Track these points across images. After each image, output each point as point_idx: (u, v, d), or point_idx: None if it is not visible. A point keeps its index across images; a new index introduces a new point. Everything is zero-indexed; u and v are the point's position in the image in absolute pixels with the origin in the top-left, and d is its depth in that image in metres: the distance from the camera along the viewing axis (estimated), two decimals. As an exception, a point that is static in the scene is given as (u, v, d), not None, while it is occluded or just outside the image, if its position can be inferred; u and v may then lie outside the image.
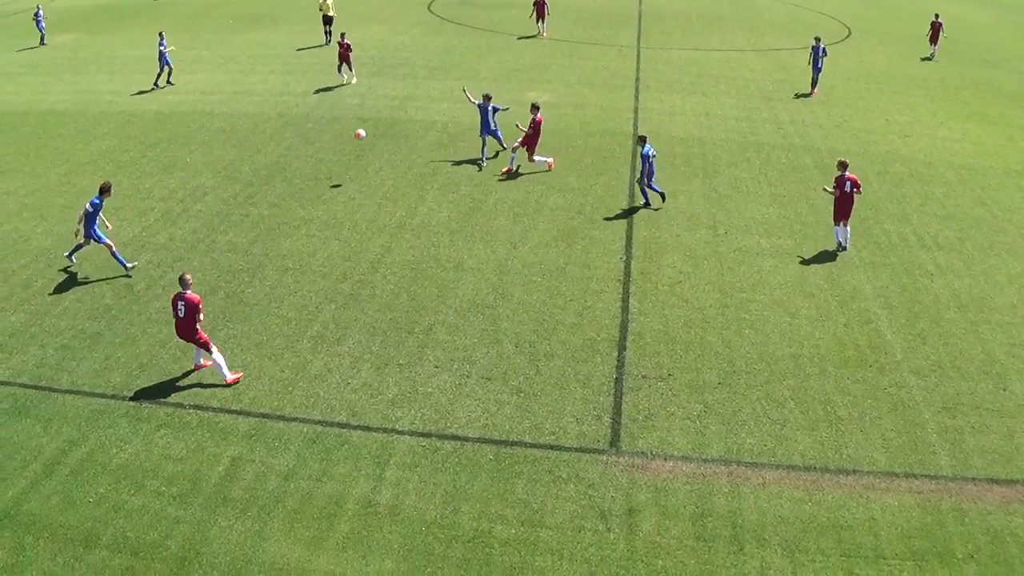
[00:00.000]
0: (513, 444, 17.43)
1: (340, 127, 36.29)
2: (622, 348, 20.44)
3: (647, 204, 27.76)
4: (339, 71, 42.65)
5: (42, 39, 55.62)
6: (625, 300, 22.47)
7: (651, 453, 17.14)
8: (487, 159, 30.65)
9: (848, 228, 25.33)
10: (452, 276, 23.87)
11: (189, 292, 18.82)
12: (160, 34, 42.75)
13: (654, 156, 27.03)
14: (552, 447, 17.33)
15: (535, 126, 29.35)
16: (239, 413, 18.61)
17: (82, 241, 24.46)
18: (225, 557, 14.97)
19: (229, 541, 15.32)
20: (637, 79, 41.96)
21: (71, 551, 15.20)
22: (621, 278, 23.52)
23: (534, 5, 48.94)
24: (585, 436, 17.59)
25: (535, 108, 29.54)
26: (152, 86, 42.65)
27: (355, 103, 39.42)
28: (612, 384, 19.14)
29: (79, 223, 24.05)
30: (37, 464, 17.35)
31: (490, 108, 30.14)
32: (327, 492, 16.38)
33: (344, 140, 34.63)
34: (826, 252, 25.43)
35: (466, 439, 17.62)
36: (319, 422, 18.24)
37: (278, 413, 18.54)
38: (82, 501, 16.32)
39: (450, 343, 20.84)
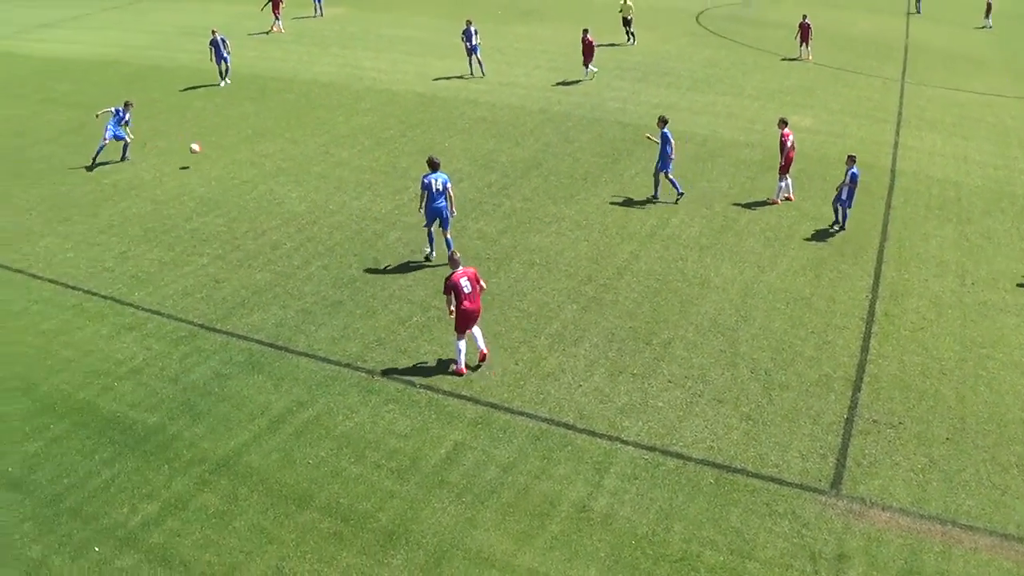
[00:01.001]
0: (735, 471, 17.75)
1: (601, 129, 37.46)
2: (857, 389, 20.38)
3: (842, 225, 27.95)
4: (584, 66, 44.13)
5: (319, 10, 60.06)
6: (866, 340, 22.36)
7: (870, 500, 17.14)
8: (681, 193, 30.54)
9: None
10: (696, 292, 24.43)
11: (463, 267, 20.12)
12: (468, 21, 44.84)
13: (854, 178, 27.27)
14: (773, 479, 17.54)
15: (783, 142, 29.51)
16: (468, 399, 19.78)
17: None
18: (433, 538, 16.02)
19: (439, 523, 16.37)
20: (899, 114, 41.27)
21: (282, 508, 16.68)
22: (864, 316, 23.41)
23: (799, 27, 49.04)
24: (808, 474, 17.73)
25: (783, 123, 29.75)
26: (472, 74, 45.10)
27: (617, 107, 40.56)
28: (842, 424, 19.17)
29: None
30: (263, 420, 19.11)
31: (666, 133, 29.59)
32: (543, 490, 17.20)
33: (603, 142, 35.79)
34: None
35: (689, 459, 18.05)
36: (546, 420, 19.14)
37: (506, 405, 19.60)
38: (301, 462, 17.86)
39: (686, 359, 21.37)
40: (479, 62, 44.66)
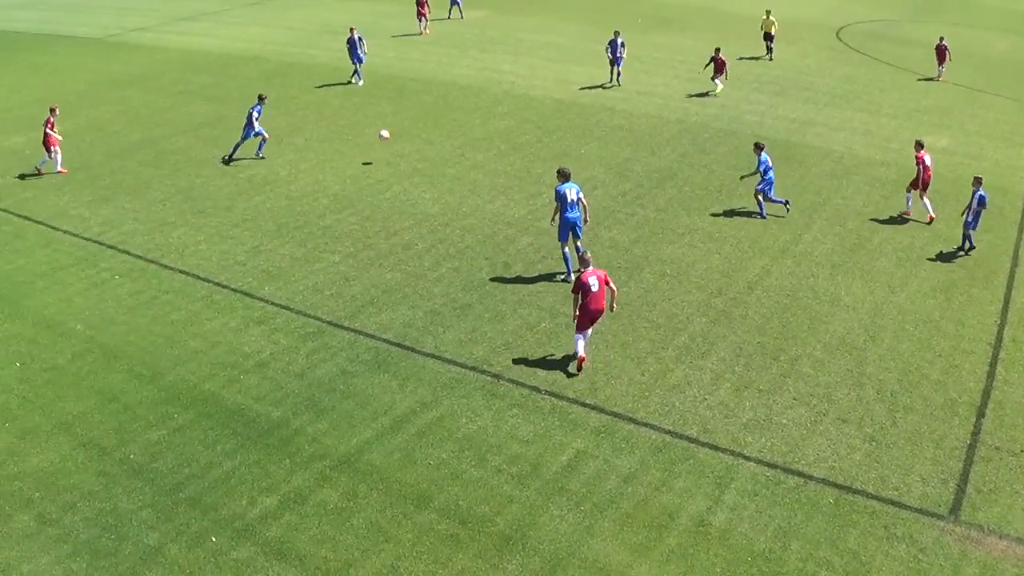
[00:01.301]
0: (855, 492, 17.55)
1: (737, 142, 37.22)
2: (981, 415, 19.97)
3: (967, 249, 27.69)
4: (713, 80, 43.86)
5: (460, 12, 61.03)
6: (992, 366, 21.91)
7: (988, 528, 16.78)
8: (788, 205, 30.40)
9: None
10: (826, 310, 24.20)
11: (593, 267, 20.79)
12: (616, 32, 44.99)
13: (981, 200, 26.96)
14: (893, 502, 17.30)
15: (919, 163, 29.24)
16: (592, 408, 19.87)
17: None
18: (550, 545, 16.10)
19: (557, 530, 16.45)
20: None
21: (401, 507, 16.95)
22: (992, 342, 22.95)
23: (936, 49, 47.99)
24: (927, 498, 17.44)
25: (919, 146, 29.38)
26: (612, 83, 45.34)
27: (754, 120, 40.26)
28: (964, 450, 18.80)
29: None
30: (386, 418, 19.48)
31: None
32: (663, 502, 17.19)
33: (740, 155, 35.55)
34: None
35: (810, 477, 17.90)
36: (669, 432, 19.15)
37: (630, 415, 19.65)
38: (422, 462, 18.15)
39: (812, 377, 21.20)
40: (618, 73, 44.51)
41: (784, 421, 19.55)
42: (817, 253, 27.31)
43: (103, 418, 19.53)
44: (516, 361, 21.53)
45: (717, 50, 44.05)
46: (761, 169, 29.34)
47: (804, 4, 68.81)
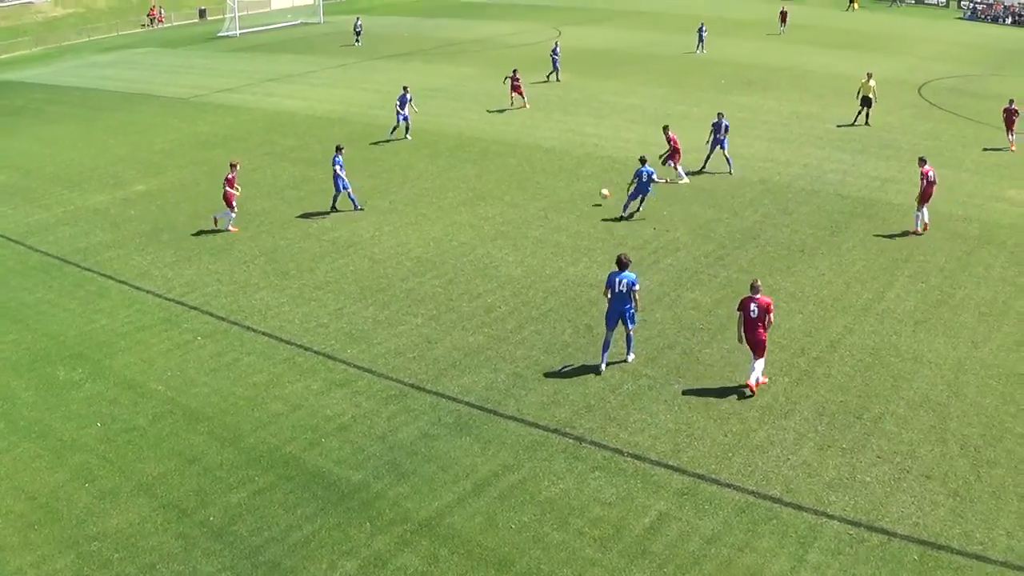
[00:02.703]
0: (940, 548, 17.44)
1: (820, 201, 37.17)
2: None
3: None
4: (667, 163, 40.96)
5: (555, 75, 61.81)
6: None
7: None
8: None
9: None
10: (909, 367, 24.08)
11: (760, 295, 22.35)
12: (719, 114, 43.26)
13: None
14: (978, 557, 17.17)
15: (923, 178, 32.42)
16: (675, 469, 19.87)
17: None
18: (634, 609, 16.20)
19: (640, 594, 16.49)
20: None
21: (482, 572, 17.01)
22: None
23: (1004, 112, 46.78)
24: (1013, 551, 17.27)
25: (922, 161, 32.27)
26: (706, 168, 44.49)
27: (837, 179, 40.18)
28: None
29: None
30: (468, 482, 19.60)
31: None
32: (746, 563, 17.11)
33: (822, 214, 35.49)
34: None
35: (894, 535, 17.78)
36: (752, 492, 19.11)
37: (713, 476, 19.64)
38: (504, 526, 18.22)
39: (896, 435, 21.09)
40: (727, 159, 41.62)
41: (867, 479, 19.47)
42: (900, 311, 27.17)
43: (183, 480, 19.89)
44: (598, 423, 21.59)
45: (666, 127, 41.14)
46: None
47: (885, 62, 68.65)
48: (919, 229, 33.70)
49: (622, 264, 23.31)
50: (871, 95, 49.70)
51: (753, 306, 22.23)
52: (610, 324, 23.76)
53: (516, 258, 31.36)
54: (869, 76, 50.28)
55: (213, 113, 55.16)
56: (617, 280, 23.29)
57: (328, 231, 34.31)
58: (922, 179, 33.12)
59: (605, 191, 36.17)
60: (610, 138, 46.94)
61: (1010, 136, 45.17)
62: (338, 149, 35.57)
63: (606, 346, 24.00)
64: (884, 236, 33.20)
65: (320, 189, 37.68)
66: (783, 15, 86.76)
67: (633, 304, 23.48)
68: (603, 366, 23.93)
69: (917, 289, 28.54)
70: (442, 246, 32.60)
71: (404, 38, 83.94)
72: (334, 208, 36.22)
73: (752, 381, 22.63)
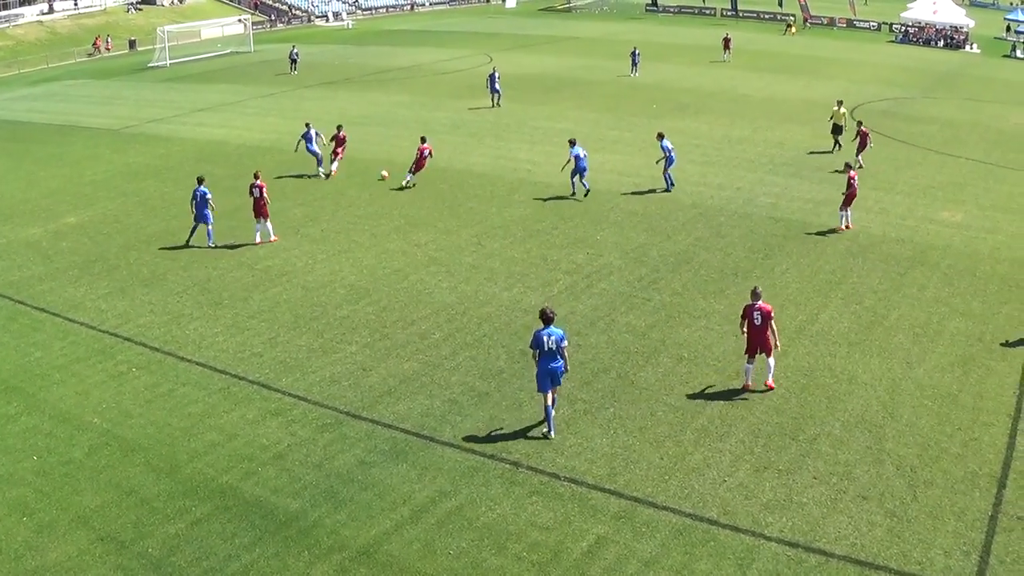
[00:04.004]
0: (877, 568, 17.76)
1: (752, 224, 37.85)
2: (1002, 486, 20.27)
3: None
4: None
5: (496, 101, 62.80)
6: (1012, 437, 22.27)
7: None
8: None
9: None
10: (844, 388, 24.55)
11: (761, 302, 23.58)
12: (660, 135, 43.55)
13: None
14: None
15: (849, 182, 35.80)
16: (612, 493, 20.08)
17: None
18: (574, 634, 16.38)
19: (580, 619, 16.71)
20: None
21: (422, 599, 17.09)
22: (1012, 413, 23.34)
23: (857, 134, 47.22)
24: (950, 570, 17.65)
25: (847, 167, 35.86)
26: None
27: (769, 202, 40.93)
28: (986, 521, 19.06)
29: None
30: (405, 508, 19.66)
31: None
32: (686, 587, 17.37)
33: (755, 237, 36.13)
34: None
35: (832, 555, 18.10)
36: (689, 515, 19.37)
37: (650, 499, 19.87)
38: (442, 552, 18.30)
39: (832, 456, 21.48)
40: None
41: (804, 500, 19.80)
42: (834, 332, 27.69)
43: (120, 512, 19.74)
44: (535, 448, 21.77)
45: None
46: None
47: (819, 86, 70.17)
48: (843, 228, 36.83)
49: (547, 318, 21.41)
50: (842, 123, 50.51)
51: (756, 313, 23.43)
52: (543, 387, 21.91)
53: (450, 284, 31.51)
54: (840, 104, 51.26)
55: (144, 144, 54.78)
56: (545, 337, 21.39)
57: (261, 260, 34.23)
58: (848, 183, 36.25)
59: (384, 172, 37.33)
60: (543, 163, 47.26)
61: (858, 159, 45.64)
62: (200, 181, 35.43)
63: (547, 412, 22.19)
64: (817, 258, 33.79)
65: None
66: (726, 41, 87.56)
67: (563, 363, 21.78)
68: (552, 432, 22.28)
69: (851, 311, 29.08)
70: (375, 273, 32.65)
71: (335, 66, 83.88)
72: (188, 244, 36.19)
73: (771, 381, 24.23)
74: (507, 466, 21.10)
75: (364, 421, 23.15)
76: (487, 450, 21.73)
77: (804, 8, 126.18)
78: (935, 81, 77.74)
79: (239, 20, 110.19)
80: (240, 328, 28.48)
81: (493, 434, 22.44)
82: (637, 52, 77.79)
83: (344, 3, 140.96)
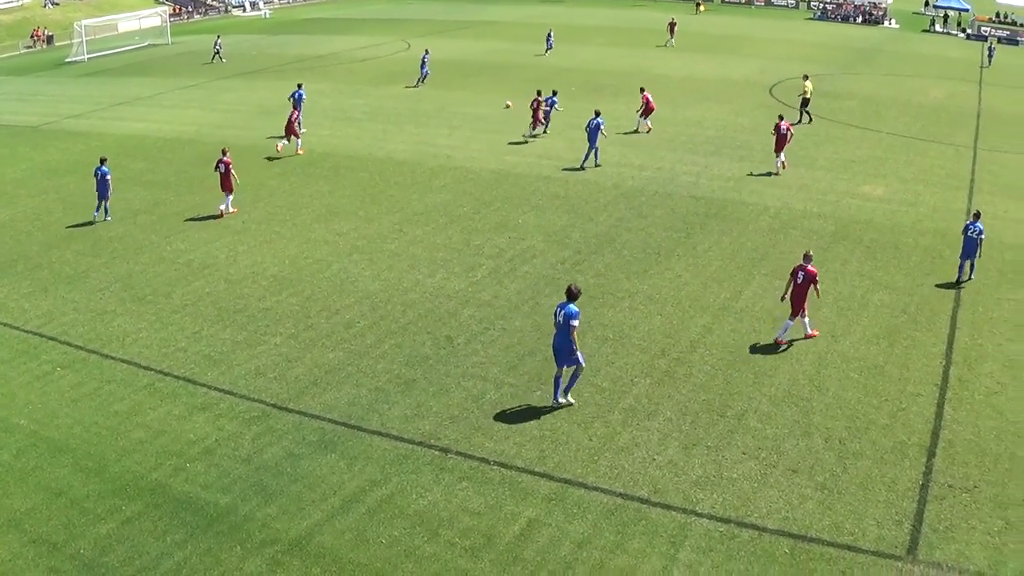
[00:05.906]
0: (811, 540, 17.96)
1: (673, 203, 38.08)
2: (931, 455, 20.60)
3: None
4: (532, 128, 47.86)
5: (421, 80, 63.92)
6: (940, 406, 22.63)
7: (946, 566, 17.21)
8: None
9: None
10: (770, 364, 24.78)
11: (810, 265, 25.13)
12: (596, 112, 44.25)
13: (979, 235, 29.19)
14: (849, 548, 17.73)
15: (776, 131, 40.22)
16: (542, 476, 20.08)
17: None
18: (509, 617, 16.29)
19: (514, 602, 16.59)
20: (972, 181, 41.56)
21: (356, 588, 16.93)
22: (938, 383, 23.72)
23: (775, 129, 47.77)
24: (883, 540, 17.89)
25: (780, 118, 38.05)
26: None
27: (690, 180, 41.18)
28: (917, 490, 19.36)
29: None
30: (336, 499, 19.50)
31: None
32: (618, 565, 17.40)
33: (676, 216, 36.31)
34: None
35: (764, 529, 18.28)
36: (620, 494, 19.43)
37: (580, 480, 19.91)
38: (375, 541, 18.18)
39: (760, 431, 21.67)
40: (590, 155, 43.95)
41: (734, 476, 19.93)
42: (758, 308, 27.90)
43: (51, 513, 19.35)
44: (463, 433, 21.69)
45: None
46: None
47: (736, 64, 70.74)
48: (779, 170, 40.94)
49: (569, 294, 21.77)
50: (808, 95, 51.52)
51: (801, 273, 24.94)
52: (556, 360, 22.40)
53: (372, 272, 31.27)
54: (806, 77, 52.60)
55: (64, 140, 53.57)
56: (557, 311, 22.01)
57: (183, 254, 33.67)
58: (774, 132, 40.35)
59: (509, 103, 36.39)
60: (462, 148, 47.14)
61: (780, 157, 44.39)
62: (102, 161, 36.69)
63: (556, 382, 22.64)
64: (739, 235, 34.01)
65: (173, 212, 37.06)
66: (671, 26, 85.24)
67: (571, 343, 21.88)
68: (560, 399, 22.68)
69: (774, 287, 29.22)
70: (298, 264, 32.29)
71: (252, 56, 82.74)
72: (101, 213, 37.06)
73: (810, 331, 25.78)
74: (436, 453, 21.01)
75: (291, 413, 22.89)
76: (416, 437, 21.62)
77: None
78: (855, 57, 78.59)
79: (156, 13, 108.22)
80: (164, 323, 28.00)
81: (421, 421, 22.29)
82: (551, 33, 79.94)
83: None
